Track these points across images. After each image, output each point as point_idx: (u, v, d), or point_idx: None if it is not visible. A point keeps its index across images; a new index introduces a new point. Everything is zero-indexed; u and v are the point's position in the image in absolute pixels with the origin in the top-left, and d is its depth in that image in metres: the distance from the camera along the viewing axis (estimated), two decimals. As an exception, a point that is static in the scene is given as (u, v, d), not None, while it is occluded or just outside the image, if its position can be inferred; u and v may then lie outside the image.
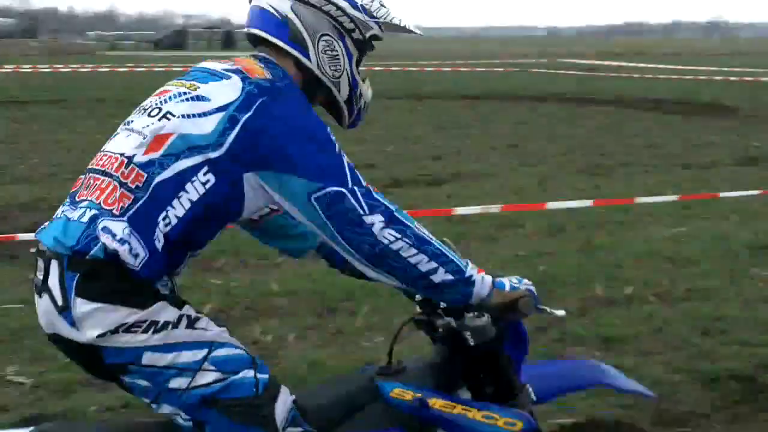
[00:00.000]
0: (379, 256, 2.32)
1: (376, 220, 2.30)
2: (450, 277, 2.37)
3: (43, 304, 2.28)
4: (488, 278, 2.46)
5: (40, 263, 2.31)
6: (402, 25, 2.65)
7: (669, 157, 13.38)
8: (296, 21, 2.50)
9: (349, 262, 2.37)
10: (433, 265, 2.35)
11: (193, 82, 2.42)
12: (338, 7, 2.53)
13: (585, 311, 6.16)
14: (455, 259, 2.39)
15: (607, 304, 6.33)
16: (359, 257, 2.33)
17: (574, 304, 6.30)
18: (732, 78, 27.37)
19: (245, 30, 2.59)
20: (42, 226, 2.39)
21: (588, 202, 7.63)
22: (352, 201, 2.30)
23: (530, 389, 2.78)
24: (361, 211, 2.30)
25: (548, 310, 2.62)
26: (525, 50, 62.82)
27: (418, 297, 2.73)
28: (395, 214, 2.33)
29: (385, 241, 2.31)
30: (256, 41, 2.59)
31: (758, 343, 5.46)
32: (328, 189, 2.29)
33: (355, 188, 2.31)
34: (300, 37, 2.51)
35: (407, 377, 2.69)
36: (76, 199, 2.34)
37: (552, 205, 7.34)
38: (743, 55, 58.17)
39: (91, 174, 2.37)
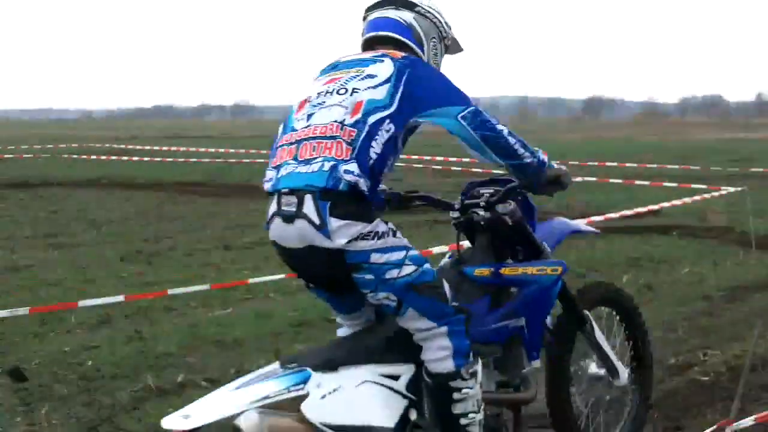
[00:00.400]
0: (508, 151, 3.61)
1: (503, 127, 3.61)
2: (537, 166, 3.72)
3: (296, 227, 3.36)
4: (547, 158, 3.78)
5: (290, 199, 3.36)
6: (459, 43, 4.01)
7: (209, 240, 13.71)
8: (417, 27, 3.78)
9: (486, 157, 3.59)
10: (532, 158, 3.69)
11: (357, 68, 3.57)
12: (440, 20, 3.84)
13: (138, 403, 6.06)
14: (537, 153, 3.73)
15: (160, 394, 6.27)
16: (495, 153, 3.58)
17: (126, 397, 6.18)
18: (259, 160, 28.79)
19: (371, 34, 3.78)
20: (269, 181, 3.51)
21: (120, 297, 7.45)
22: (485, 115, 3.57)
23: (545, 245, 4.04)
24: (494, 122, 3.59)
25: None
26: (55, 133, 61.00)
27: (456, 205, 4.03)
28: (507, 126, 3.61)
29: (511, 142, 3.61)
30: (375, 42, 3.77)
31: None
32: (469, 108, 3.55)
33: (481, 108, 3.56)
34: (419, 38, 3.79)
35: (476, 260, 3.91)
36: (307, 157, 3.40)
37: (84, 303, 7.06)
38: (268, 136, 61.64)
39: (308, 141, 3.44)
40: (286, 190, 3.39)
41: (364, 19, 3.85)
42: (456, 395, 3.51)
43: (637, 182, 18.56)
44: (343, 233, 3.31)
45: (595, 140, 61.83)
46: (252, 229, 14.84)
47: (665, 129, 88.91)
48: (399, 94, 3.45)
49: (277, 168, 3.49)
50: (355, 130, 3.40)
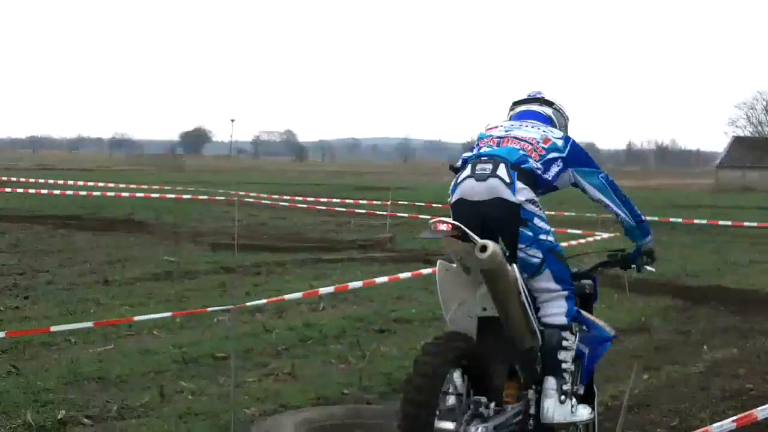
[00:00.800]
0: (628, 204, 4.84)
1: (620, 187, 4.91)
2: (645, 227, 4.94)
3: (488, 183, 4.44)
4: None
5: (485, 165, 4.49)
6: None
7: (88, 274, 13.38)
8: (554, 119, 5.02)
9: (614, 210, 4.82)
10: (643, 219, 4.93)
11: (540, 124, 4.86)
12: (566, 115, 5.15)
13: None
14: (645, 218, 4.97)
15: (40, 430, 6.11)
16: (621, 205, 4.81)
17: (4, 435, 6.00)
18: (139, 194, 28.35)
19: (519, 122, 4.92)
20: (480, 151, 4.68)
21: (1, 334, 7.20)
22: (611, 179, 4.84)
23: None
24: (617, 185, 4.85)
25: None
26: None
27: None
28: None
29: (627, 198, 4.86)
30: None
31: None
32: (604, 173, 4.83)
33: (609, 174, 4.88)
34: (557, 126, 5.00)
35: None
36: (507, 145, 4.65)
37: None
38: (144, 169, 60.78)
39: (509, 139, 4.69)
40: (485, 158, 4.54)
41: (512, 109, 5.14)
42: (564, 343, 4.50)
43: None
44: (523, 194, 4.43)
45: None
46: (133, 263, 14.58)
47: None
48: (569, 148, 4.76)
49: (476, 149, 4.74)
50: (544, 151, 4.68)
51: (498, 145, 4.65)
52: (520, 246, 4.43)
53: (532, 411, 4.45)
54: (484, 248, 4.06)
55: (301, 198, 26.54)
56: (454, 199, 4.53)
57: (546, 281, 4.50)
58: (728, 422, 4.46)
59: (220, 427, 6.17)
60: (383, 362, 8.29)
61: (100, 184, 30.37)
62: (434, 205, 26.08)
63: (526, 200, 4.42)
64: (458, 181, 4.56)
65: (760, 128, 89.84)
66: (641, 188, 56.62)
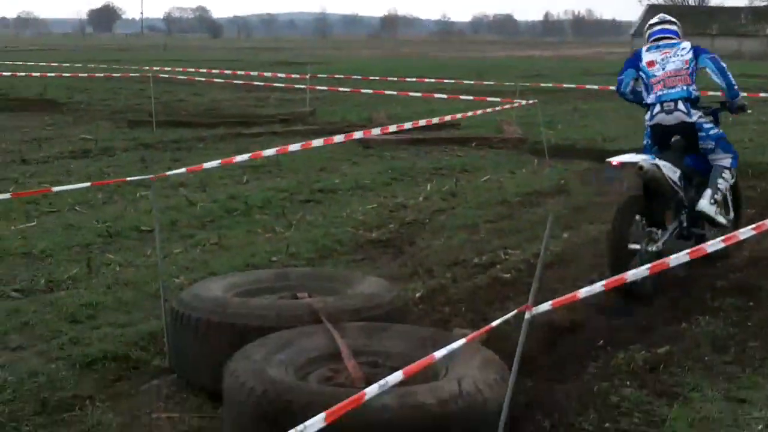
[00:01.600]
0: (727, 77, 7.08)
1: (725, 65, 7.14)
2: (737, 91, 7.19)
3: (674, 115, 6.88)
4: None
5: (670, 104, 6.90)
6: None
7: (4, 153, 13.06)
8: (678, 30, 7.31)
9: (719, 80, 7.08)
10: (737, 86, 7.23)
11: (675, 47, 7.11)
12: (680, 26, 7.50)
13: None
14: (737, 86, 7.25)
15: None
16: (725, 76, 7.06)
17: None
18: (51, 74, 27.44)
19: (661, 35, 7.24)
20: (652, 98, 6.99)
21: None
22: (718, 58, 7.15)
23: None
24: (723, 64, 7.10)
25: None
26: None
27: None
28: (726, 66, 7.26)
29: (729, 73, 7.12)
30: (663, 38, 7.20)
31: (125, 323, 5.72)
32: (711, 56, 7.12)
33: (717, 56, 7.23)
34: (680, 37, 7.33)
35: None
36: (670, 85, 6.94)
37: None
38: (56, 50, 58.86)
39: (669, 78, 6.95)
40: (668, 100, 6.88)
41: (649, 28, 7.33)
42: (723, 175, 7.01)
43: (436, 95, 19.08)
44: (695, 115, 6.89)
45: (393, 57, 62.54)
46: (50, 142, 14.29)
47: (460, 47, 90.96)
48: (695, 52, 7.04)
49: (656, 93, 6.94)
50: (689, 70, 6.98)
51: (665, 86, 6.95)
52: (700, 142, 6.94)
53: (684, 225, 6.94)
54: (641, 168, 6.32)
55: (218, 72, 26.01)
56: (653, 122, 6.97)
57: (719, 154, 7.06)
58: (598, 287, 4.70)
59: (150, 294, 6.21)
60: (309, 230, 8.38)
61: (8, 63, 29.29)
62: (353, 77, 25.91)
63: (698, 117, 6.88)
64: (654, 113, 6.95)
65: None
66: (560, 57, 56.91)
